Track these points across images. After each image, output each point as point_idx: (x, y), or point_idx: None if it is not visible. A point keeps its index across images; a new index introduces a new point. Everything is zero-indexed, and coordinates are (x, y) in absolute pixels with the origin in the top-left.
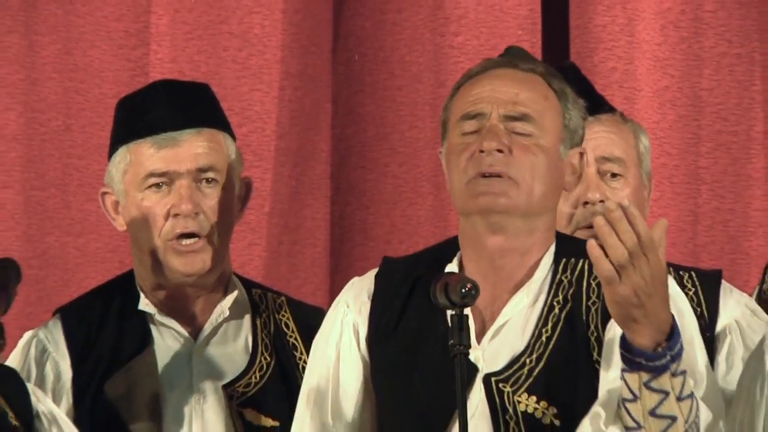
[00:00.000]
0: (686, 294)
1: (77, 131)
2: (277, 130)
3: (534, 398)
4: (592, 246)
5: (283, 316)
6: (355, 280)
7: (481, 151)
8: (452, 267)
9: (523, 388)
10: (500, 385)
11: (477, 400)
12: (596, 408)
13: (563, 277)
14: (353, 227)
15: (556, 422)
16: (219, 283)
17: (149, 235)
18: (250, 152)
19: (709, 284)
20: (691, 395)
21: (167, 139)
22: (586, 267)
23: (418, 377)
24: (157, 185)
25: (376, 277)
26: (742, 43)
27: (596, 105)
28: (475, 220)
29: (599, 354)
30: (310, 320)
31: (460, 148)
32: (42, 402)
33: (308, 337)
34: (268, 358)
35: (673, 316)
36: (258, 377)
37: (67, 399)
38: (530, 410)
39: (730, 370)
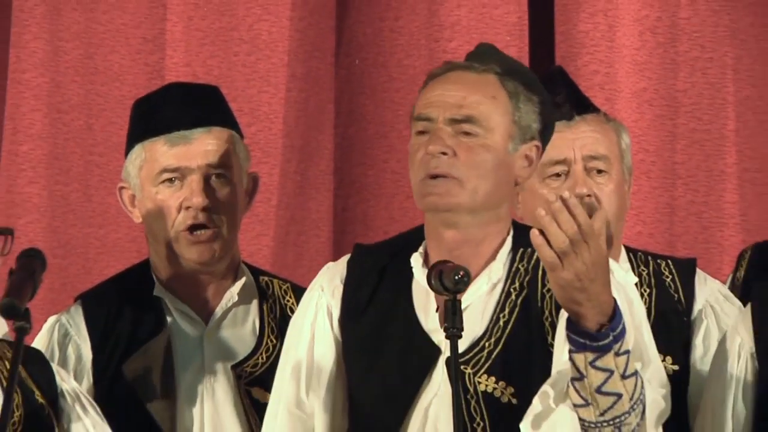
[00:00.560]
0: (664, 281)
1: (98, 130)
2: (283, 129)
3: (493, 379)
4: (535, 235)
5: (288, 301)
6: (330, 265)
7: (428, 152)
8: (417, 255)
9: (482, 370)
10: (461, 366)
11: (439, 380)
12: (546, 387)
13: (520, 266)
14: (355, 219)
15: (514, 401)
16: (229, 271)
17: (163, 226)
18: (259, 149)
19: (685, 272)
20: (635, 374)
21: (180, 137)
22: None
23: (384, 356)
24: (170, 180)
25: (348, 262)
26: (714, 48)
27: (582, 106)
28: (430, 215)
29: (553, 338)
30: None
31: (415, 148)
32: (66, 381)
33: None
34: (274, 341)
35: (615, 299)
36: (265, 358)
37: (87, 379)
38: (489, 390)
39: (707, 352)
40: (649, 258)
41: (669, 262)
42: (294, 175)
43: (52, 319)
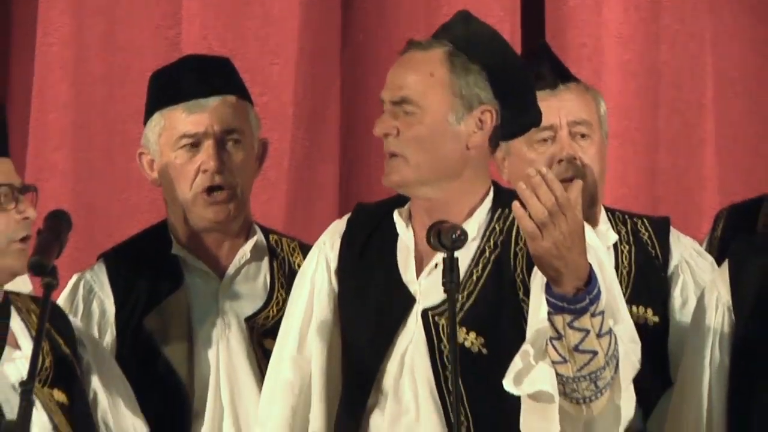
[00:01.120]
0: (641, 238)
1: (120, 100)
2: (293, 99)
3: (464, 329)
4: (516, 206)
5: (296, 258)
6: (336, 222)
7: (375, 132)
8: (400, 212)
9: (456, 321)
10: (435, 318)
11: (413, 329)
12: (526, 346)
13: (496, 225)
14: (359, 183)
15: (484, 351)
16: (241, 230)
17: (182, 188)
18: (270, 118)
19: (661, 229)
20: (610, 332)
21: (196, 105)
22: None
23: (368, 305)
24: (189, 145)
25: (348, 220)
26: (694, 23)
27: (564, 76)
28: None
29: (524, 293)
30: None
31: None
32: (82, 331)
33: None
34: (284, 295)
35: (590, 264)
36: (275, 311)
37: (111, 332)
38: (461, 340)
39: (685, 304)
40: (626, 217)
41: (644, 220)
42: (303, 141)
43: (76, 277)
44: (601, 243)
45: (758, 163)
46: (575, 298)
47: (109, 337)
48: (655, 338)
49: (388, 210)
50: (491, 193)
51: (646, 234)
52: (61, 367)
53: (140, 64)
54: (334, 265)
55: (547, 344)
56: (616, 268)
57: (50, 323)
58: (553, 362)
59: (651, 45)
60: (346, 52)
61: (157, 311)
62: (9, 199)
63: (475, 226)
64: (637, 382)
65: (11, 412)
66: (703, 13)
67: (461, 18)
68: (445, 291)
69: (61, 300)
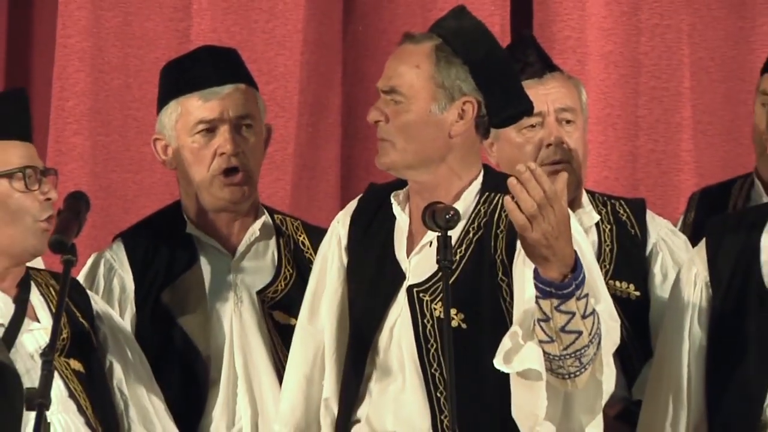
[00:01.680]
0: (620, 218)
1: (135, 88)
2: (297, 87)
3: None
4: (508, 201)
5: (300, 236)
6: (352, 201)
7: (368, 119)
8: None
9: (438, 298)
10: (420, 294)
11: (402, 303)
12: (515, 327)
13: (482, 208)
14: (359, 165)
15: (464, 326)
16: (250, 210)
17: (199, 170)
18: (276, 105)
19: (638, 210)
20: (593, 312)
21: (212, 93)
22: (500, 201)
23: (366, 279)
24: (205, 131)
25: (359, 200)
26: (671, 16)
27: (550, 65)
28: None
29: (503, 273)
30: (321, 240)
31: None
32: (98, 304)
33: None
34: (291, 270)
35: (576, 251)
36: (283, 285)
37: (131, 307)
38: (443, 316)
39: (665, 279)
40: (606, 198)
41: (622, 202)
42: (306, 127)
43: (95, 255)
44: (582, 226)
45: (733, 147)
46: (562, 284)
47: (129, 312)
48: (638, 311)
49: (392, 191)
50: (480, 177)
51: (625, 215)
52: (77, 338)
53: (153, 54)
54: (344, 241)
55: (534, 325)
56: (599, 246)
57: (69, 297)
58: (541, 341)
59: (632, 37)
60: (346, 44)
61: (174, 286)
62: (33, 180)
63: (462, 208)
64: (622, 352)
65: (29, 380)
66: (680, 7)
67: (455, 13)
68: (439, 268)
69: (82, 277)
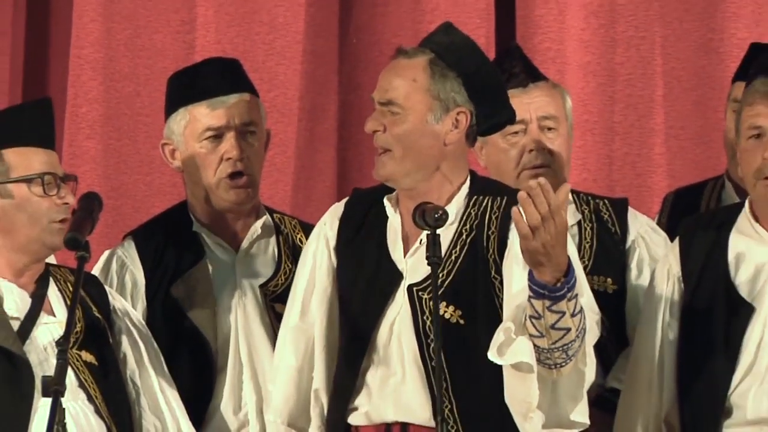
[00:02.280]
0: (602, 217)
1: (144, 96)
2: (296, 95)
3: (444, 303)
4: (515, 212)
5: (298, 233)
6: (335, 204)
7: (365, 129)
8: (389, 198)
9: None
10: (419, 293)
11: (401, 303)
12: (507, 323)
13: (471, 211)
14: (353, 168)
15: (461, 321)
16: (252, 210)
17: (206, 174)
18: (276, 111)
19: (620, 209)
20: (581, 311)
21: (218, 102)
22: (489, 204)
23: (362, 279)
24: (212, 137)
25: (346, 203)
26: (645, 29)
27: (534, 75)
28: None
29: (495, 272)
30: None
31: None
32: (116, 299)
33: None
34: (290, 265)
35: (569, 257)
36: (283, 279)
37: (142, 301)
38: (441, 312)
39: (640, 274)
40: (589, 198)
41: (606, 201)
42: (305, 132)
43: (107, 253)
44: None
45: (703, 150)
46: (555, 287)
47: (141, 305)
48: (614, 304)
49: (380, 195)
50: (468, 182)
51: (607, 213)
52: (91, 331)
53: (162, 64)
54: (333, 243)
55: (525, 320)
56: (579, 242)
57: (86, 292)
58: (531, 336)
59: (608, 48)
60: (342, 55)
61: (182, 281)
62: (52, 186)
63: (453, 210)
64: (598, 342)
65: (42, 371)
66: (653, 20)
67: (444, 29)
68: (428, 264)
69: (95, 273)
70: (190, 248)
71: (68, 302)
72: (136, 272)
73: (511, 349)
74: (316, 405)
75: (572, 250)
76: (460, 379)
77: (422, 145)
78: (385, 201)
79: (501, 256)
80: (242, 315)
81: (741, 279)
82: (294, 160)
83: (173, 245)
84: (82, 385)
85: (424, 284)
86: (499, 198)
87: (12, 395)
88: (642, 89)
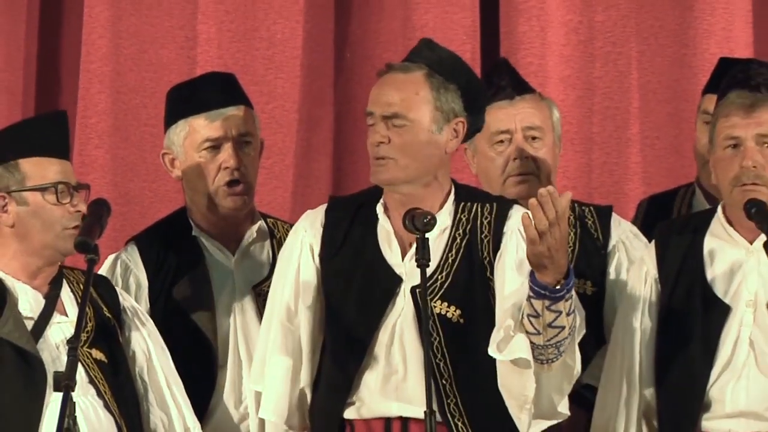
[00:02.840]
0: (586, 222)
1: (150, 108)
2: (294, 106)
3: (445, 303)
4: (524, 217)
5: None
6: (309, 212)
7: (370, 142)
8: (380, 205)
9: (437, 296)
10: (421, 294)
11: (403, 304)
12: (507, 321)
13: (462, 216)
14: (348, 175)
15: (461, 320)
16: (248, 215)
17: (205, 182)
18: (275, 122)
19: (603, 215)
20: (575, 311)
21: (216, 114)
22: (479, 209)
23: (357, 283)
24: (211, 147)
25: (326, 211)
26: (622, 44)
27: (521, 88)
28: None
29: (490, 273)
30: None
31: (369, 135)
32: (126, 300)
33: None
34: None
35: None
36: None
37: (145, 302)
38: (443, 312)
39: (618, 277)
40: (576, 205)
41: (591, 208)
42: (302, 141)
43: (112, 257)
44: None
45: (677, 159)
46: (555, 289)
47: (144, 307)
48: (592, 305)
49: (363, 201)
50: (453, 189)
51: (591, 219)
52: (102, 330)
53: (167, 78)
54: (317, 249)
55: (523, 318)
56: None
57: (97, 293)
58: (529, 333)
59: (587, 63)
60: (337, 69)
61: (183, 283)
62: (65, 194)
63: (447, 216)
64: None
65: (54, 368)
66: (630, 36)
67: (427, 45)
68: (418, 266)
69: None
70: (190, 252)
71: (79, 302)
72: (140, 275)
73: (509, 346)
74: (305, 403)
75: None
76: (462, 374)
77: (426, 155)
78: (379, 208)
79: (495, 258)
80: (240, 314)
81: (716, 279)
82: (292, 168)
83: (174, 249)
84: (92, 381)
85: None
86: (488, 204)
87: (26, 391)
88: (619, 101)
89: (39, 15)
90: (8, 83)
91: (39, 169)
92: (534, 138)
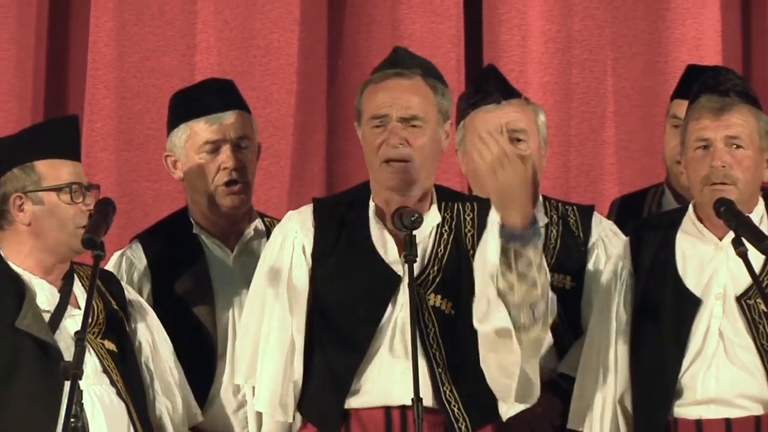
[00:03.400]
0: (568, 221)
1: (153, 112)
2: (289, 111)
3: (439, 296)
4: (475, 154)
5: None
6: (294, 213)
7: (390, 144)
8: (372, 206)
9: (430, 289)
10: (418, 289)
11: (403, 300)
12: (488, 289)
13: (446, 214)
14: (340, 177)
15: (453, 312)
16: (246, 215)
17: (205, 183)
18: (271, 126)
19: (585, 214)
20: (546, 273)
21: (216, 118)
22: (460, 207)
23: (354, 283)
24: (210, 149)
25: (314, 212)
26: (598, 52)
27: (507, 93)
28: (386, 188)
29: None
30: None
31: (373, 137)
32: (131, 294)
33: None
34: None
35: (534, 213)
36: None
37: (148, 297)
38: (437, 304)
39: (596, 272)
40: (559, 204)
41: (574, 207)
42: (297, 144)
43: (117, 254)
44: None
45: (649, 161)
46: (523, 231)
47: (147, 300)
48: (571, 299)
49: (350, 201)
50: (434, 189)
51: (573, 218)
52: (111, 322)
53: (169, 84)
54: (309, 249)
55: (498, 278)
56: (545, 244)
57: (105, 287)
58: (501, 292)
59: (565, 70)
60: (330, 75)
61: (184, 278)
62: (78, 194)
63: (435, 213)
64: (555, 331)
65: (71, 357)
66: (605, 44)
67: (404, 52)
68: (405, 262)
69: None
70: (191, 249)
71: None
72: (143, 271)
73: (490, 316)
74: (296, 396)
75: None
76: (456, 362)
77: (435, 155)
78: (371, 211)
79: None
80: (239, 308)
81: (688, 274)
82: (288, 169)
83: (176, 246)
84: (105, 371)
85: (419, 280)
86: (468, 203)
87: (46, 379)
88: (595, 106)
89: (48, 25)
90: (19, 89)
91: (53, 170)
92: (519, 140)
